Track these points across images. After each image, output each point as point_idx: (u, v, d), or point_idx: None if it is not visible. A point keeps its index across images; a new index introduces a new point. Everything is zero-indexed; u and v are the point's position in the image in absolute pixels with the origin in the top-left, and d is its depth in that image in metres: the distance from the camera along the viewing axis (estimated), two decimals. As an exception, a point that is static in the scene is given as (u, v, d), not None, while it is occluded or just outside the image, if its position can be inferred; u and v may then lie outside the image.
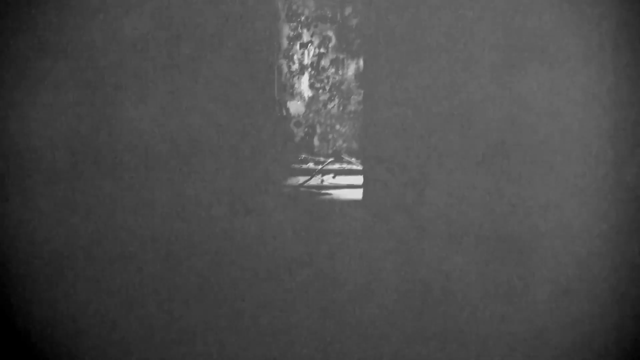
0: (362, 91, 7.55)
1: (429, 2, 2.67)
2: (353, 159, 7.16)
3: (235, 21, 2.84)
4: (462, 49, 2.52)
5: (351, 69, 7.66)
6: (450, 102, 2.53)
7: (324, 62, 7.59)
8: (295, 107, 7.84)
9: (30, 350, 2.54)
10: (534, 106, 2.40)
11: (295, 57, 7.62)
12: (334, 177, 5.33)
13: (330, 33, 7.58)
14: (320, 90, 7.76)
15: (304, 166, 6.36)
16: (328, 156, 7.61)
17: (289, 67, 7.66)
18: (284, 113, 7.85)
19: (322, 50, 7.77)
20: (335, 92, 7.72)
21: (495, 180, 2.46)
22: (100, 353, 2.54)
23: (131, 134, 2.61)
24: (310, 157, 7.43)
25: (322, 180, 4.94)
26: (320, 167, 5.95)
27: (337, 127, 7.73)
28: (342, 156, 7.44)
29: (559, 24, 2.30)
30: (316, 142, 7.66)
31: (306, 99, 7.68)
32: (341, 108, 7.73)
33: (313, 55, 7.52)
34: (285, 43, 7.74)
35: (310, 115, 7.76)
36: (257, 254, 2.70)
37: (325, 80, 7.68)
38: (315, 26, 7.42)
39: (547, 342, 2.55)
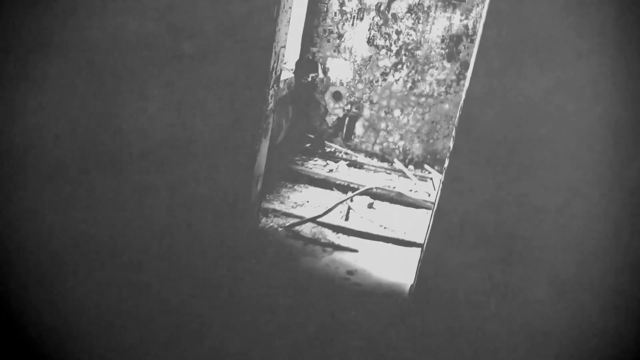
0: (448, 65, 4.78)
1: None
2: (410, 168, 4.34)
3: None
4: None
5: (440, 23, 4.83)
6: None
7: (398, 7, 4.83)
8: (339, 67, 5.11)
9: (30, 350, 2.21)
10: (535, 106, 2.25)
11: (354, -10, 4.82)
12: (371, 206, 3.19)
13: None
14: (383, 50, 4.96)
15: (329, 168, 3.46)
16: (372, 155, 4.77)
17: (341, 3, 4.90)
18: (320, 75, 5.11)
19: (399, -15, 5.08)
20: (405, 58, 4.92)
21: (496, 180, 2.33)
22: (100, 352, 2.21)
23: (131, 133, 2.52)
24: (343, 151, 4.62)
25: (348, 211, 2.97)
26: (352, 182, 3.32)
27: (397, 113, 4.94)
28: (394, 160, 4.62)
29: (560, 24, 2.16)
30: (359, 129, 4.96)
31: (357, 59, 4.94)
32: (409, 85, 4.95)
33: (383, -7, 4.76)
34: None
35: (359, 86, 5.03)
36: (255, 252, 2.70)
37: (394, 36, 4.90)
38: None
39: (547, 341, 2.47)
